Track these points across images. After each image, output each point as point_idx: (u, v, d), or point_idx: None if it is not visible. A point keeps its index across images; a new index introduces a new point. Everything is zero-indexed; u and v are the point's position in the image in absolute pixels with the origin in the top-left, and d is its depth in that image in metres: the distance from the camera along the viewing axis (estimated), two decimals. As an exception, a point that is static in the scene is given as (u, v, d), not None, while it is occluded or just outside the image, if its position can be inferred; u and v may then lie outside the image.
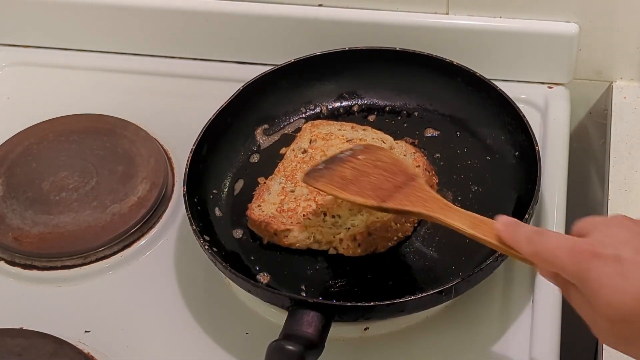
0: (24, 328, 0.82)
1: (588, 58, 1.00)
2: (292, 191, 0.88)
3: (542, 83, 1.01)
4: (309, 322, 0.72)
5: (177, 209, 0.92)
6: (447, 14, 1.00)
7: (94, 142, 0.98)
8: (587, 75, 1.01)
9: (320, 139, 0.92)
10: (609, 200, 0.89)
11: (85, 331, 0.83)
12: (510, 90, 1.01)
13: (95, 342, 0.82)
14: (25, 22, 1.11)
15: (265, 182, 0.90)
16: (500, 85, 1.01)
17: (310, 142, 0.92)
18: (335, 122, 0.95)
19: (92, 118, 1.01)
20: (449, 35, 1.00)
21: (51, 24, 1.10)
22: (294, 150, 0.92)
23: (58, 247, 0.88)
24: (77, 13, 1.08)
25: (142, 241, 0.90)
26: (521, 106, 0.99)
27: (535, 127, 0.97)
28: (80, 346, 0.80)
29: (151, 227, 0.91)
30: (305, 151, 0.91)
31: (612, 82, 1.01)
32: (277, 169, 0.91)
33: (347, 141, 0.91)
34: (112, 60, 1.10)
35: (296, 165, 0.90)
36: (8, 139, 1.00)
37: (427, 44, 1.01)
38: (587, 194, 1.01)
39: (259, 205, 0.87)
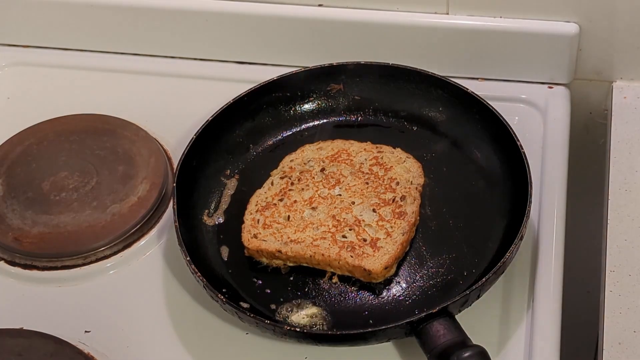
0: (24, 328, 0.82)
1: (588, 58, 1.00)
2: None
3: (542, 83, 1.01)
4: (439, 332, 0.74)
5: (177, 209, 0.92)
6: (447, 14, 1.00)
7: (94, 142, 0.98)
8: (587, 75, 1.01)
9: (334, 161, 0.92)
10: (609, 200, 0.89)
11: (85, 331, 0.83)
12: (510, 90, 1.01)
13: (95, 342, 0.82)
14: (25, 22, 1.11)
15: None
16: (500, 85, 1.01)
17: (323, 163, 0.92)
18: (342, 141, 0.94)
19: (92, 118, 1.01)
20: (449, 35, 1.00)
21: (51, 24, 1.10)
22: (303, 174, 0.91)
23: (58, 247, 0.88)
24: (77, 13, 1.08)
25: (142, 241, 0.90)
26: (521, 106, 0.99)
27: (535, 127, 0.97)
28: (80, 346, 0.80)
29: (151, 227, 0.91)
30: (323, 170, 0.90)
31: (612, 82, 1.01)
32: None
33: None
34: (112, 60, 1.10)
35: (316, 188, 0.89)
36: (8, 139, 0.99)
37: (427, 44, 1.01)
38: (587, 194, 1.01)
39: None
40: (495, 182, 0.88)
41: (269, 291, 0.83)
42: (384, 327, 0.75)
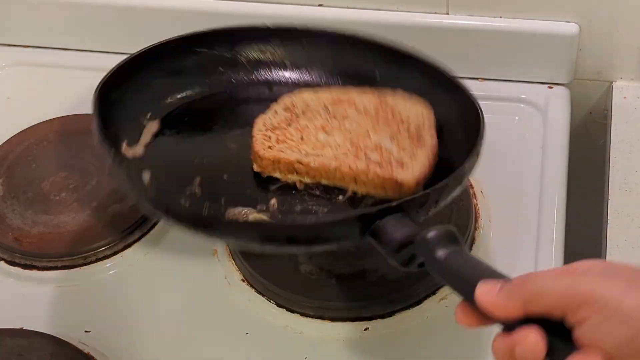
0: (24, 328, 0.82)
1: (588, 58, 1.00)
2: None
3: (542, 83, 1.01)
4: (396, 226, 0.66)
5: (177, 209, 0.92)
6: (447, 14, 1.00)
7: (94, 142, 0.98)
8: (587, 75, 1.01)
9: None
10: (609, 200, 0.89)
11: (85, 331, 0.83)
12: (510, 90, 1.01)
13: (95, 342, 0.81)
14: (25, 22, 1.11)
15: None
16: (500, 85, 1.01)
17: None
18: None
19: (92, 118, 1.01)
20: (449, 35, 1.00)
21: (51, 24, 1.10)
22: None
23: (58, 247, 0.88)
24: (77, 13, 1.08)
25: (142, 241, 0.90)
26: (521, 106, 1.00)
27: (535, 127, 0.97)
28: (80, 346, 0.80)
29: (151, 227, 0.91)
30: (327, 109, 0.84)
31: (612, 82, 1.01)
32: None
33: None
34: (112, 60, 1.09)
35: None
36: (8, 139, 1.00)
37: (427, 44, 1.01)
38: (587, 194, 1.01)
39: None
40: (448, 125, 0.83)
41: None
42: (332, 219, 0.69)
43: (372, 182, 0.76)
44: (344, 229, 0.68)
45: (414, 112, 0.83)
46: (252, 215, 0.75)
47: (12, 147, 0.98)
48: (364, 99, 0.85)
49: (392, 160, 0.77)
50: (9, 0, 1.09)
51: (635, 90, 1.00)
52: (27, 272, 0.88)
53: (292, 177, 0.79)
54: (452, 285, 0.61)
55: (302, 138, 0.80)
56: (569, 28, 0.97)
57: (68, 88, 1.08)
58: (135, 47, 1.09)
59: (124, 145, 0.83)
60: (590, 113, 1.04)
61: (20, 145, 0.98)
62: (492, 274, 0.58)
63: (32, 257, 0.89)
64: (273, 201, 0.77)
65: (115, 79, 0.85)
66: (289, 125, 0.82)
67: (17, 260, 0.89)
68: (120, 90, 0.85)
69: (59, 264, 0.88)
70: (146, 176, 0.80)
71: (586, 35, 0.98)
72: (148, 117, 0.88)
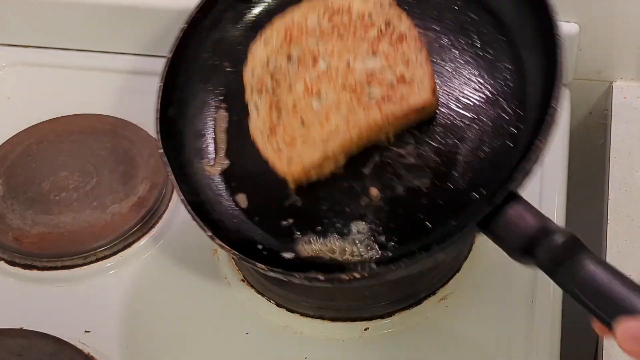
0: (24, 328, 0.82)
1: (588, 58, 1.00)
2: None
3: (542, 83, 1.01)
4: (512, 223, 0.61)
5: (177, 209, 0.92)
6: (447, 14, 1.00)
7: (94, 142, 0.98)
8: (587, 75, 1.01)
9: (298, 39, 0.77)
10: (609, 200, 0.89)
11: (85, 331, 0.83)
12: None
13: (95, 342, 0.82)
14: (25, 22, 1.11)
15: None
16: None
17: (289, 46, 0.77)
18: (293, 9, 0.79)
19: (92, 118, 1.01)
20: (449, 35, 1.00)
21: (51, 24, 1.10)
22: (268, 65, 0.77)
23: (58, 247, 0.88)
24: (77, 13, 1.08)
25: (142, 241, 0.90)
26: (521, 106, 0.99)
27: (535, 127, 0.97)
28: (80, 346, 0.80)
29: (151, 227, 0.91)
30: (290, 57, 0.77)
31: (612, 82, 1.01)
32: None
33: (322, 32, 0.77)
34: (112, 60, 1.10)
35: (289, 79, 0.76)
36: (8, 139, 1.00)
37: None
38: (587, 194, 1.01)
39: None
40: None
41: (298, 233, 0.73)
42: (444, 244, 0.63)
43: (396, 121, 0.71)
44: (460, 241, 0.67)
45: (370, 5, 0.76)
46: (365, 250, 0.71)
47: (12, 147, 0.98)
48: (312, 18, 0.78)
49: (393, 82, 0.71)
50: (9, 0, 1.09)
51: (635, 90, 1.00)
52: (27, 272, 0.88)
53: (328, 168, 0.73)
54: (587, 307, 0.57)
55: (302, 122, 0.74)
56: (569, 28, 0.97)
57: (68, 88, 1.08)
58: (136, 47, 1.10)
59: (205, 165, 0.78)
60: (590, 113, 1.04)
61: (20, 145, 0.98)
62: (633, 302, 0.54)
63: (32, 257, 0.89)
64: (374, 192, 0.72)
65: (165, 94, 0.80)
66: (279, 113, 0.75)
67: (17, 260, 0.89)
68: (177, 98, 0.81)
69: (59, 264, 0.88)
70: (242, 199, 0.76)
71: (586, 35, 0.97)
72: (213, 107, 0.81)
